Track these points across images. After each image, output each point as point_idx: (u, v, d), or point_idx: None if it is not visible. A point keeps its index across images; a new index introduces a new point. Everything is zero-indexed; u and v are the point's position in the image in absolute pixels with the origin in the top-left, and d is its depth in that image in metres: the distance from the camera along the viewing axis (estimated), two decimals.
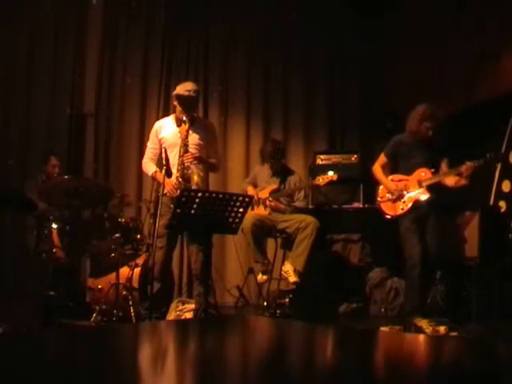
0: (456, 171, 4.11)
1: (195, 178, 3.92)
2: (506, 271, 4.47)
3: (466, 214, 4.71)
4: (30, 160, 5.54)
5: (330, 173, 4.95)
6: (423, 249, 4.11)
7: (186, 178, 3.97)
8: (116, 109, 6.11)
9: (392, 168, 4.50)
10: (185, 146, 4.02)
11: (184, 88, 4.16)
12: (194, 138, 4.14)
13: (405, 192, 4.28)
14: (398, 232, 4.27)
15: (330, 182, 4.96)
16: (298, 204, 5.09)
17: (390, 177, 4.43)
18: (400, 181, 4.36)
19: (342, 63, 6.81)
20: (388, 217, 4.37)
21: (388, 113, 6.06)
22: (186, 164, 3.99)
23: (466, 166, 4.03)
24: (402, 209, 4.28)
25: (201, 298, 4.03)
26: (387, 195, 4.37)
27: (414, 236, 4.15)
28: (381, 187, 4.46)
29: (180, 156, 4.00)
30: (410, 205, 4.25)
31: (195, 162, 4.05)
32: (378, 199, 4.46)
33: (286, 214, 5.03)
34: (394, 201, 4.32)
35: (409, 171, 4.32)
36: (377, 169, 4.48)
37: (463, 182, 4.07)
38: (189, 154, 4.02)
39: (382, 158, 4.47)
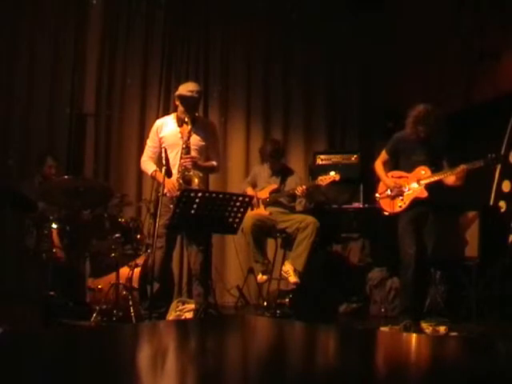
0: (452, 172, 4.12)
1: (196, 180, 3.92)
2: (506, 271, 4.48)
3: (469, 214, 4.71)
4: (30, 160, 5.53)
5: (332, 173, 4.93)
6: (418, 251, 4.09)
7: (186, 179, 3.97)
8: (116, 109, 6.09)
9: (393, 165, 4.50)
10: (187, 147, 4.01)
11: (186, 88, 4.15)
12: (195, 140, 4.13)
13: (404, 189, 4.28)
14: (397, 230, 4.27)
15: (333, 182, 4.94)
16: (298, 208, 5.10)
17: (390, 173, 4.42)
18: (400, 177, 4.35)
19: (341, 63, 6.81)
20: (386, 213, 4.37)
21: (388, 113, 6.06)
22: (186, 166, 3.99)
23: (460, 169, 4.04)
24: (400, 206, 4.27)
25: (201, 297, 4.03)
26: (386, 192, 4.38)
27: (410, 237, 4.14)
28: (380, 183, 4.46)
29: (181, 157, 4.00)
30: (408, 202, 4.25)
31: (190, 166, 4.03)
32: (377, 195, 4.46)
33: (286, 213, 5.03)
34: (393, 197, 4.32)
35: (409, 168, 4.32)
36: (378, 165, 4.48)
37: (458, 182, 4.09)
38: (188, 157, 4.01)
39: (383, 155, 4.47)
